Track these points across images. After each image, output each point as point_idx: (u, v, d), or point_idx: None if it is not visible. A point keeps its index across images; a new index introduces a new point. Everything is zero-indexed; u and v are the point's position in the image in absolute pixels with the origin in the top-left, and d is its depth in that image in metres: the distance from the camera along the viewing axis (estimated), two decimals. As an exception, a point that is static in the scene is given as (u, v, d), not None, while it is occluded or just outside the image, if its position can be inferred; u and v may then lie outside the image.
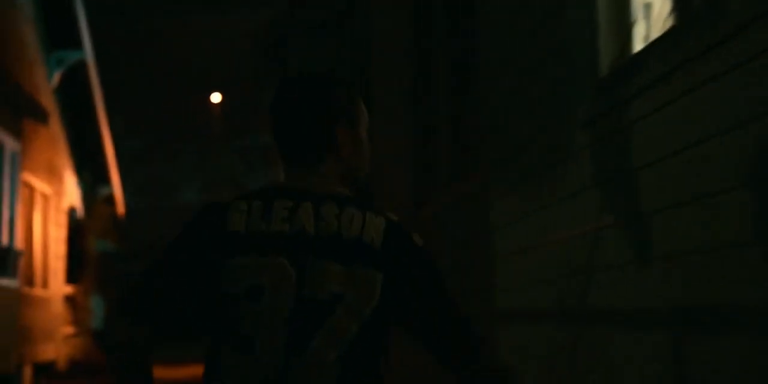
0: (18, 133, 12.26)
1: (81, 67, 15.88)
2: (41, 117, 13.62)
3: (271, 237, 1.98)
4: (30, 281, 13.16)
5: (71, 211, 16.51)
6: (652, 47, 3.14)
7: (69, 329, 15.81)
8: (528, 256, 4.35)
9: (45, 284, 14.17)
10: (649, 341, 2.98)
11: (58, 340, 14.72)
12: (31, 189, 13.32)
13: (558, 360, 3.90)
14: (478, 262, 5.39)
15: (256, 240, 1.98)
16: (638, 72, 3.15)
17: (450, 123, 6.83)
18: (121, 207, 20.40)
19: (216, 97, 33.07)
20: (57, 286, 15.00)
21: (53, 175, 14.90)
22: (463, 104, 6.47)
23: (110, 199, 19.56)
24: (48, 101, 14.50)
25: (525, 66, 4.55)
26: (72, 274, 16.25)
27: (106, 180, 18.83)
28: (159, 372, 13.91)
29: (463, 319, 2.02)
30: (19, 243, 12.34)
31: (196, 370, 14.83)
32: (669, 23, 3.08)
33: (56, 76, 15.21)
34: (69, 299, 16.10)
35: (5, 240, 11.67)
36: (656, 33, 3.23)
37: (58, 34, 15.17)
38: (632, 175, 3.12)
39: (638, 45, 3.42)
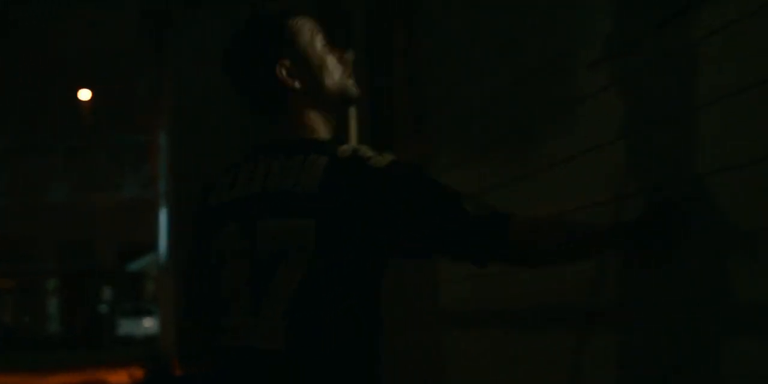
0: None
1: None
2: None
3: (232, 205, 2.01)
4: None
5: None
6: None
7: None
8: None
9: None
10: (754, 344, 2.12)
11: None
12: None
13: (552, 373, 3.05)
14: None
15: (222, 211, 2.03)
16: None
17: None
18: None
19: (85, 94, 32.45)
20: None
21: None
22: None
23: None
24: None
25: None
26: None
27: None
28: (24, 380, 13.08)
29: (465, 225, 1.85)
30: None
31: (63, 379, 14.27)
32: None
33: None
34: None
35: None
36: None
37: None
38: (685, 120, 2.22)
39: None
